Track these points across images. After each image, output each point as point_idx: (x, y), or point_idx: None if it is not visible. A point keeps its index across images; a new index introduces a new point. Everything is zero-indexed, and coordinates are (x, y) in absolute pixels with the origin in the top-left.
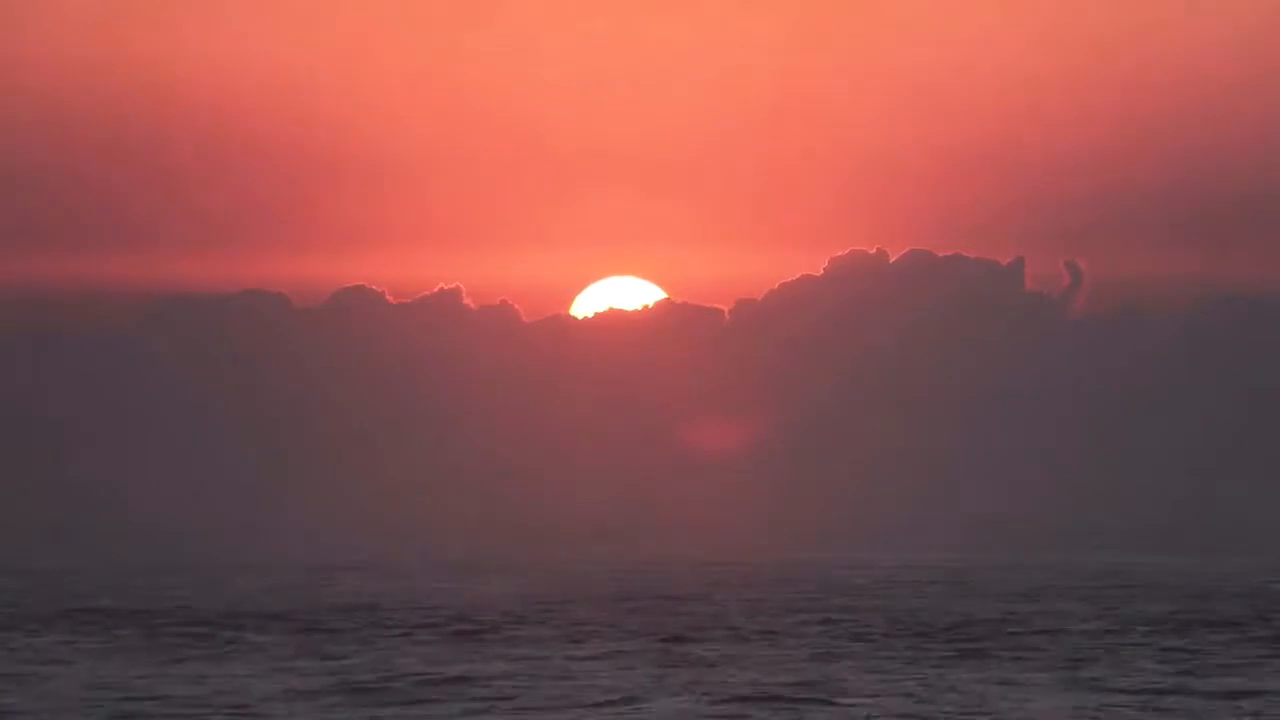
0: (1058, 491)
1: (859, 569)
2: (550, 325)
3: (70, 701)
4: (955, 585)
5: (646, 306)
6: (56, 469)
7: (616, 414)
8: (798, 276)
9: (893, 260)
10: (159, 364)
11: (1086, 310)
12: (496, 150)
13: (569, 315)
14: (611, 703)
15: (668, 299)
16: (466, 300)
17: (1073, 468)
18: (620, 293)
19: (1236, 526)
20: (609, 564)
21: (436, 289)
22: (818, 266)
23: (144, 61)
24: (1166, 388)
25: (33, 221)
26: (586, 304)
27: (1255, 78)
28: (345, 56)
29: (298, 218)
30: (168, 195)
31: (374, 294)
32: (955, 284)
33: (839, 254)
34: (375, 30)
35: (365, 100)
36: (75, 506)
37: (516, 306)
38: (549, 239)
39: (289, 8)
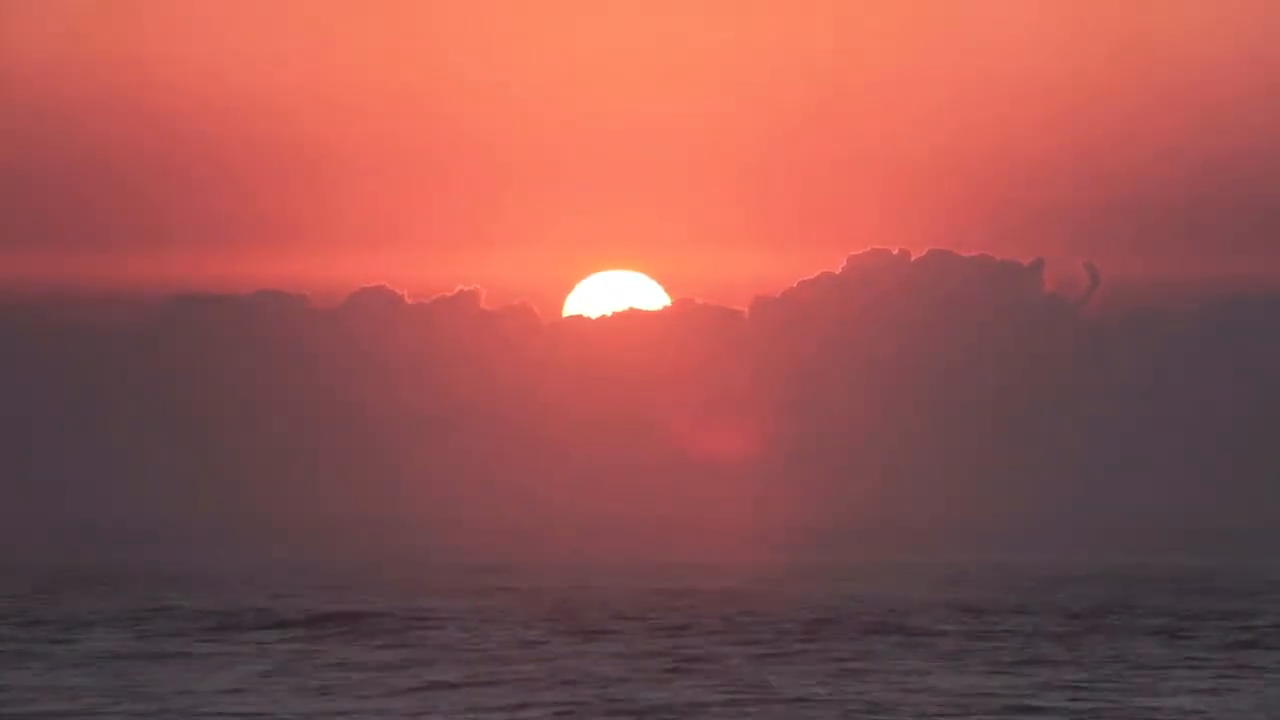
0: (1073, 491)
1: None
2: (568, 326)
3: None
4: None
5: (666, 307)
6: (68, 466)
7: (633, 415)
8: (817, 274)
9: (914, 259)
10: (176, 364)
11: (1104, 312)
12: (513, 152)
13: (587, 317)
14: None
15: (688, 299)
16: (484, 301)
17: (1087, 467)
18: (632, 291)
19: (1251, 525)
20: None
21: (455, 290)
22: (836, 265)
23: (163, 61)
24: (1183, 388)
25: (49, 221)
26: (599, 303)
27: (1273, 85)
28: (361, 57)
29: (315, 218)
30: (185, 195)
31: (392, 294)
32: (975, 284)
33: (857, 252)
34: (390, 33)
35: (382, 102)
36: (91, 503)
37: (534, 308)
38: (566, 240)
39: (306, 7)
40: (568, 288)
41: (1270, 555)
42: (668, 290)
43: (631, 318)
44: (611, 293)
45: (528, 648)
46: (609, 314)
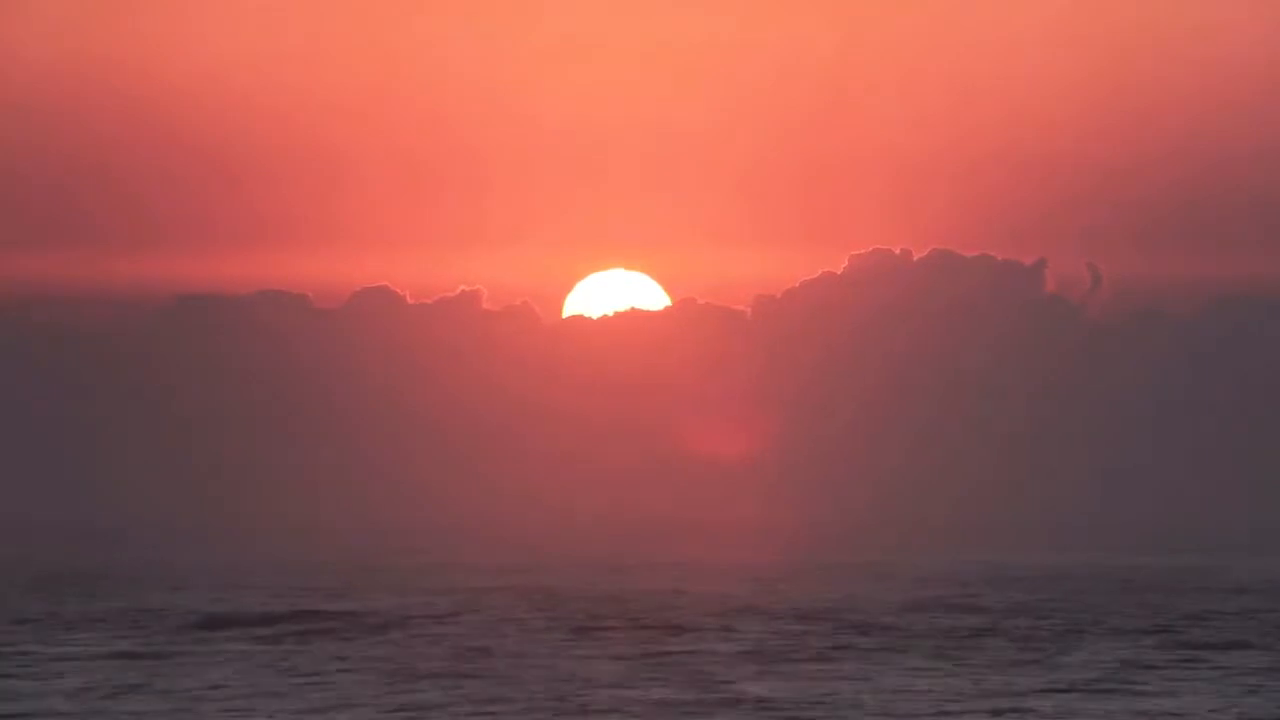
0: (1074, 491)
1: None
2: (569, 326)
3: None
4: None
5: (667, 307)
6: (68, 466)
7: (634, 416)
8: (819, 274)
9: (916, 259)
10: (177, 364)
11: (1106, 312)
12: (518, 151)
13: (588, 317)
14: None
15: (689, 298)
16: (486, 302)
17: (1089, 467)
18: (633, 290)
19: (1253, 525)
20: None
21: (457, 291)
22: (838, 264)
23: (163, 62)
24: (1185, 388)
25: (49, 221)
26: (600, 303)
27: (1274, 85)
28: (362, 58)
29: (316, 219)
30: (186, 195)
31: (394, 295)
32: (977, 284)
33: (859, 252)
34: (398, 31)
35: (383, 102)
36: (91, 503)
37: (536, 308)
38: (566, 240)
39: (307, 8)
40: (568, 288)
41: (1272, 555)
42: (669, 290)
43: (633, 318)
44: (612, 293)
45: (518, 648)
46: (610, 314)
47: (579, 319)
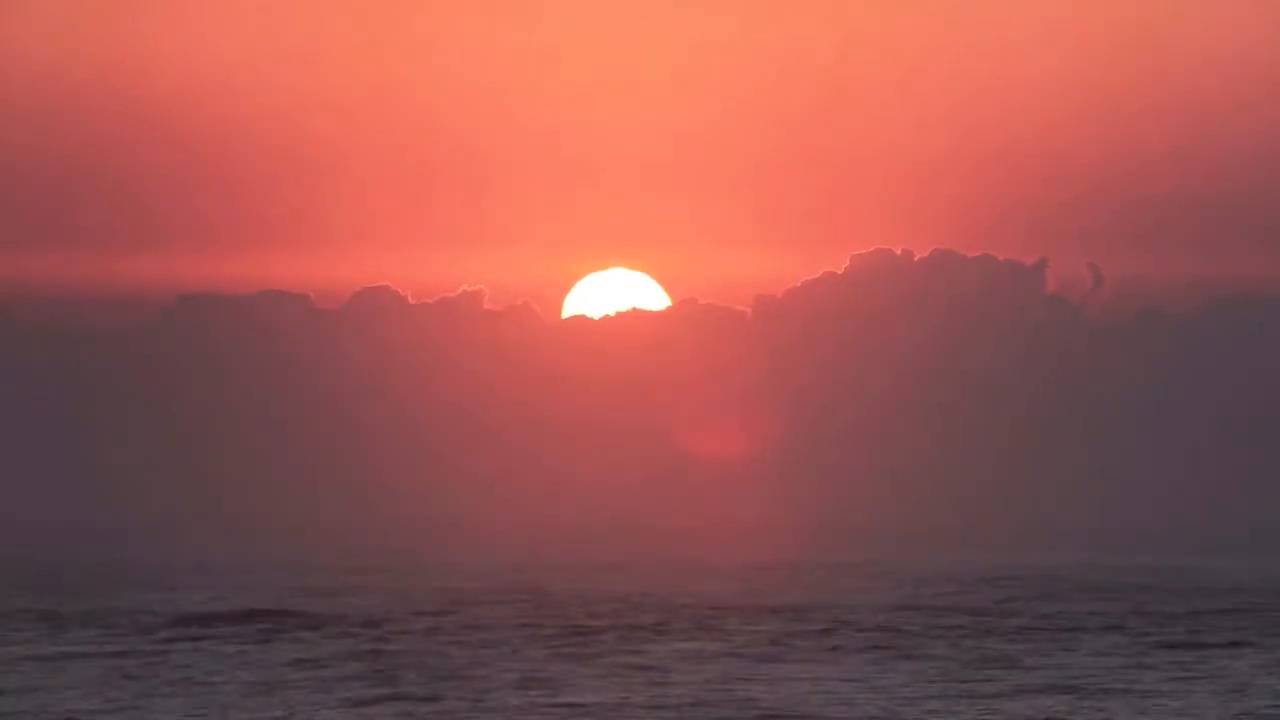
0: (1076, 493)
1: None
2: (570, 327)
3: None
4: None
5: (668, 307)
6: (68, 467)
7: (636, 417)
8: (820, 274)
9: (917, 259)
10: (177, 364)
11: (1107, 312)
12: (518, 150)
13: (589, 317)
14: None
15: (690, 298)
16: (488, 302)
17: (1092, 469)
18: (633, 291)
19: (1254, 526)
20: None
21: (459, 291)
22: (840, 264)
23: (163, 62)
24: (1186, 388)
25: (48, 221)
26: (601, 303)
27: (1276, 85)
28: (363, 58)
29: (318, 218)
30: (186, 195)
31: (395, 295)
32: (978, 284)
33: (861, 252)
34: (399, 30)
35: (383, 102)
36: (91, 504)
37: (537, 308)
38: (566, 240)
39: (307, 7)
40: (568, 288)
41: (1272, 555)
42: (669, 290)
43: (633, 318)
44: (613, 293)
45: (511, 648)
46: (611, 314)
47: (579, 319)
